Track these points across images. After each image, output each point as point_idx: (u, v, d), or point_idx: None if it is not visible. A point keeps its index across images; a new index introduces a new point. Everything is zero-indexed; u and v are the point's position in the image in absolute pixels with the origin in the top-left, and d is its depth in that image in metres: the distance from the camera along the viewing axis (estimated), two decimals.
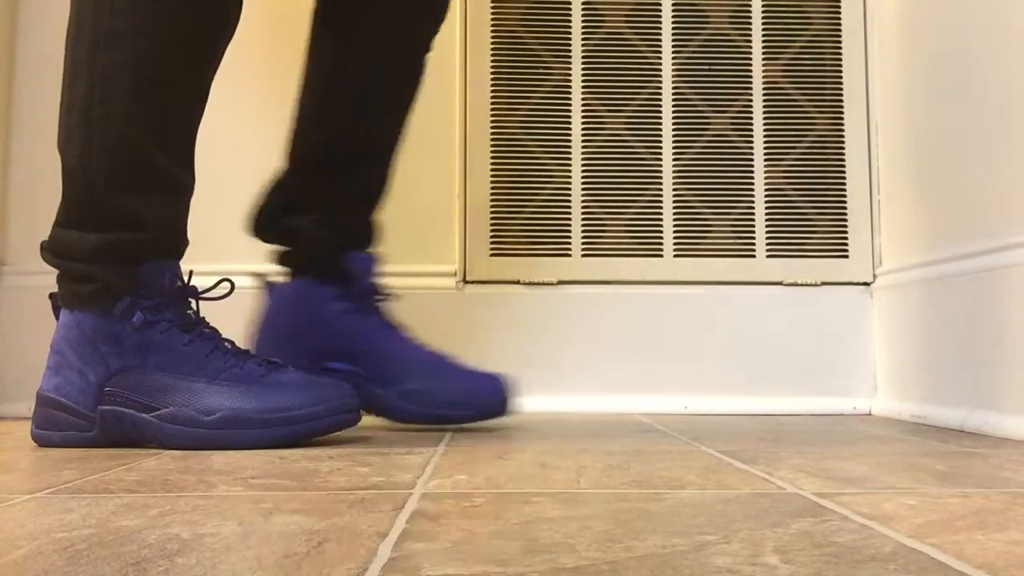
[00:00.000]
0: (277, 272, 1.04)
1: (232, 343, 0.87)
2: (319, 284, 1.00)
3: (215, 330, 0.86)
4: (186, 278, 0.86)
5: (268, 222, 1.04)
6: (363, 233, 1.04)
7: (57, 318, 0.87)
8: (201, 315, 0.87)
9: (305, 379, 0.84)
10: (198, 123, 0.88)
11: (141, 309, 0.83)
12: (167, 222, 0.86)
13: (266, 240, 1.04)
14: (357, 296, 1.00)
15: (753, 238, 1.30)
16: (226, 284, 0.86)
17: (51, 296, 0.87)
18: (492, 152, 1.30)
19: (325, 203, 1.02)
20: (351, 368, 0.98)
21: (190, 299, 0.86)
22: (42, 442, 0.85)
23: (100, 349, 0.83)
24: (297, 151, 1.04)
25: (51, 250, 0.86)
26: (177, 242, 0.88)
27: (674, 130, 1.31)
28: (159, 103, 0.84)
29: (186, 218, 0.88)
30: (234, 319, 0.96)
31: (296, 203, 1.02)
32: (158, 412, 0.81)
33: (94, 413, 0.83)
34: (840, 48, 1.32)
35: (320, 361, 0.98)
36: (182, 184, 0.87)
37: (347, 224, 1.03)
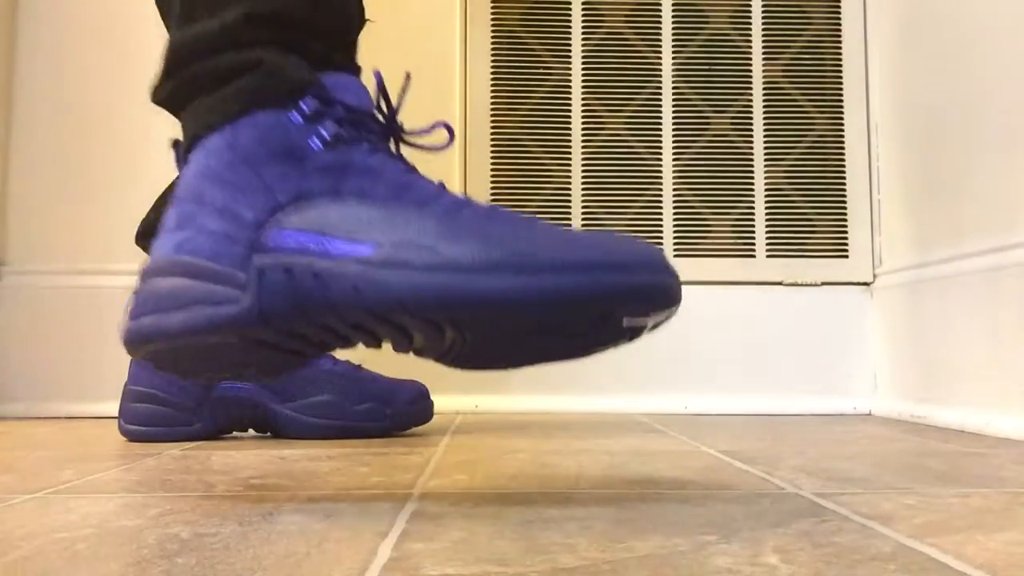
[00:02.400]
0: None
1: None
2: None
3: None
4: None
5: (157, 230, 0.92)
6: None
7: (181, 167, 0.57)
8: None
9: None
10: None
11: (333, 120, 0.54)
12: (345, 5, 0.60)
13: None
14: None
15: (753, 238, 1.30)
16: (444, 131, 0.57)
17: (175, 143, 0.58)
18: (492, 152, 1.30)
19: None
20: (249, 386, 0.92)
21: (398, 138, 0.57)
22: (156, 333, 0.51)
23: (264, 173, 0.52)
24: None
25: (172, 60, 0.57)
26: (354, 56, 0.61)
27: (674, 130, 1.31)
28: None
29: (358, 33, 0.62)
30: None
31: None
32: (360, 256, 0.48)
33: (243, 272, 0.50)
34: (840, 48, 1.32)
35: (214, 382, 0.91)
36: None
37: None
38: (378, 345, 0.52)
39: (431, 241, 0.47)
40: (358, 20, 0.61)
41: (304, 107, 0.54)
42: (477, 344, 0.50)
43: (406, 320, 0.48)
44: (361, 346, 0.53)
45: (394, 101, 0.57)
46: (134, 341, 0.52)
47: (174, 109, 0.58)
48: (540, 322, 0.48)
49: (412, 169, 0.54)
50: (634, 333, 0.50)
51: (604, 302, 0.47)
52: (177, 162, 0.57)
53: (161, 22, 0.61)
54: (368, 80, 0.58)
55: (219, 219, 0.52)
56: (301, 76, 0.54)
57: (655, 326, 0.50)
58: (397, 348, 0.52)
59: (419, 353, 0.53)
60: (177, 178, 0.76)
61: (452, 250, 0.47)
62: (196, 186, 0.53)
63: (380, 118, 0.56)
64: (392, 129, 0.56)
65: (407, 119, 0.58)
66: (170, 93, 0.57)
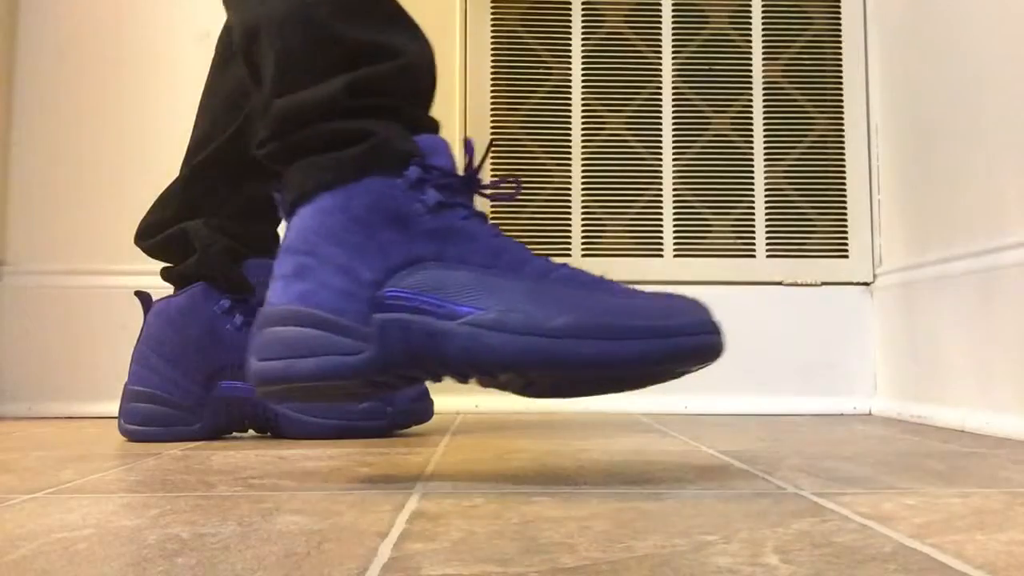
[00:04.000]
0: (160, 290, 0.95)
1: None
2: (214, 295, 0.91)
3: None
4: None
5: (155, 230, 0.95)
6: (263, 240, 0.95)
7: (287, 215, 0.63)
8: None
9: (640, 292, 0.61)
10: None
11: (434, 186, 0.60)
12: (427, 60, 0.66)
13: (153, 252, 0.96)
14: (256, 308, 0.92)
15: (753, 238, 1.30)
16: (512, 183, 0.64)
17: (276, 192, 0.64)
18: (492, 152, 1.30)
19: (219, 209, 0.94)
20: (249, 386, 0.92)
21: (476, 193, 0.63)
22: (283, 376, 0.59)
23: (377, 236, 0.59)
24: (193, 156, 0.96)
25: (279, 124, 0.63)
26: (426, 110, 0.67)
27: (674, 130, 1.31)
28: None
29: (434, 86, 0.68)
30: None
31: (189, 210, 0.93)
32: (467, 318, 0.56)
33: (368, 326, 0.58)
34: (840, 48, 1.32)
35: (215, 381, 0.91)
36: (419, 32, 0.67)
37: (244, 230, 0.94)
38: (466, 382, 0.60)
39: (527, 307, 0.56)
40: (435, 80, 0.67)
41: (410, 175, 0.60)
42: (555, 387, 0.59)
43: (503, 372, 0.57)
44: None
45: (476, 161, 0.63)
46: (266, 381, 0.60)
47: (279, 165, 0.64)
48: (614, 376, 0.57)
49: (499, 233, 0.61)
50: (679, 376, 0.59)
51: (672, 363, 0.57)
52: (281, 209, 0.63)
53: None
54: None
55: (340, 276, 0.58)
56: (407, 147, 0.61)
57: (696, 370, 0.59)
58: (483, 385, 0.60)
59: (499, 387, 0.60)
60: (187, 172, 0.89)
61: (545, 316, 0.55)
62: (312, 241, 0.60)
63: (460, 172, 0.63)
64: (471, 184, 0.62)
65: None
66: (277, 152, 0.64)
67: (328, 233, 0.59)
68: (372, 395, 0.63)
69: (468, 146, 0.64)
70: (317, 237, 0.60)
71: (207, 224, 0.93)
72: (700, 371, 0.59)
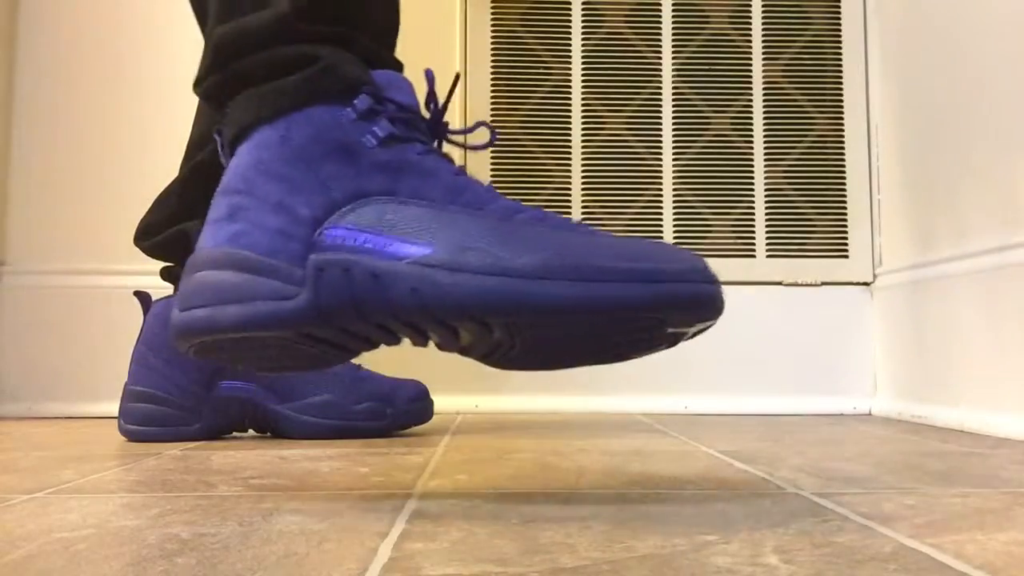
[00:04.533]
0: (160, 290, 0.96)
1: None
2: None
3: None
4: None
5: (155, 231, 0.94)
6: None
7: (226, 156, 0.57)
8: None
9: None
10: None
11: (388, 118, 0.54)
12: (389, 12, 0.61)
13: (153, 252, 0.96)
14: None
15: (753, 238, 1.30)
16: (485, 130, 0.58)
17: (217, 130, 0.58)
18: (492, 152, 1.30)
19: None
20: (249, 386, 0.92)
21: (443, 137, 0.58)
22: (207, 326, 0.52)
23: (320, 169, 0.53)
24: (192, 156, 0.95)
25: (219, 52, 0.57)
26: (392, 47, 0.62)
27: (674, 130, 1.31)
28: None
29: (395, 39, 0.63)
30: None
31: (188, 210, 0.91)
32: (416, 258, 0.49)
33: (300, 269, 0.51)
34: (840, 48, 1.32)
35: (215, 381, 0.91)
36: None
37: None
38: (425, 343, 0.53)
39: (488, 245, 0.48)
40: (398, 19, 0.62)
41: (359, 104, 0.54)
42: (524, 347, 0.51)
43: (460, 321, 0.49)
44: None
45: (440, 101, 0.57)
46: (185, 333, 0.52)
47: (220, 101, 0.57)
48: (590, 328, 0.49)
49: (462, 171, 0.55)
50: (675, 339, 0.51)
51: (656, 311, 0.48)
52: (221, 149, 0.56)
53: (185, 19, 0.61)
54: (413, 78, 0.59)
55: (275, 214, 0.52)
56: (356, 74, 0.55)
57: (696, 334, 0.52)
58: (443, 347, 0.53)
59: (464, 352, 0.53)
60: (186, 172, 0.76)
61: (510, 255, 0.48)
62: (248, 178, 0.53)
63: (426, 116, 0.56)
64: (438, 128, 0.57)
65: None
66: (217, 85, 0.57)
67: (265, 169, 0.53)
68: (321, 360, 0.55)
69: (429, 76, 0.57)
70: (254, 173, 0.53)
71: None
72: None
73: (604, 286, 0.47)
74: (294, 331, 0.51)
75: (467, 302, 0.47)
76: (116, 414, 0.93)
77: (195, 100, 0.99)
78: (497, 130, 1.28)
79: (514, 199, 1.33)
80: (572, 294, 0.47)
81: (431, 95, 0.57)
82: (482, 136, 0.60)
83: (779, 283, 1.29)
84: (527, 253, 0.48)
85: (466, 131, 0.59)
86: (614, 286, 0.47)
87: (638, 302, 0.47)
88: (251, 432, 0.95)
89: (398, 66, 0.61)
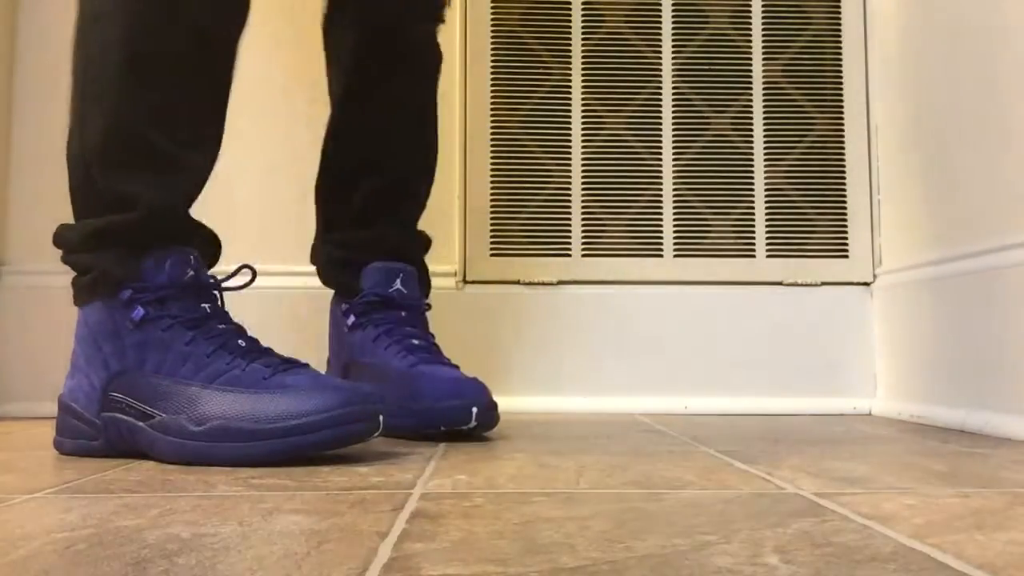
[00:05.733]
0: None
1: (251, 341, 0.76)
2: (337, 300, 1.01)
3: (238, 327, 0.77)
4: (208, 270, 0.78)
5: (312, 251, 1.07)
6: (380, 244, 1.00)
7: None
8: (224, 310, 0.78)
9: (316, 382, 0.72)
10: (212, 102, 0.82)
11: (142, 304, 0.74)
12: (163, 205, 0.78)
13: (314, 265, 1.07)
14: (359, 308, 0.97)
15: (753, 238, 1.30)
16: (247, 272, 0.77)
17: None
18: (492, 152, 1.30)
19: (331, 220, 1.03)
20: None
21: (212, 292, 0.78)
22: (58, 449, 0.78)
23: (103, 349, 0.76)
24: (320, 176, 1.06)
25: (56, 244, 0.81)
26: (182, 228, 0.80)
27: (674, 130, 1.31)
28: (153, 81, 0.77)
29: (189, 202, 0.81)
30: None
31: (321, 225, 1.04)
32: (152, 420, 0.72)
33: (99, 420, 0.75)
34: (840, 48, 1.32)
35: (347, 377, 0.97)
36: (182, 165, 0.79)
37: (353, 238, 1.01)
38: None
39: (183, 411, 0.71)
40: (190, 196, 0.81)
41: (122, 296, 0.75)
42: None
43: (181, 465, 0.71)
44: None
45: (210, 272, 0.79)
46: (57, 448, 0.79)
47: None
48: (270, 461, 0.70)
49: (194, 338, 0.74)
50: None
51: (302, 453, 0.70)
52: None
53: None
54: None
55: (86, 377, 0.77)
56: (120, 275, 0.76)
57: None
58: None
59: None
60: None
61: (196, 419, 0.70)
62: (77, 348, 0.79)
63: (202, 279, 0.77)
64: (200, 281, 0.76)
65: None
66: (64, 260, 0.80)
67: (80, 340, 0.78)
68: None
69: (195, 260, 0.77)
70: (77, 344, 0.78)
71: (322, 237, 1.03)
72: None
73: (258, 445, 0.69)
74: (103, 455, 0.76)
75: (171, 458, 0.71)
76: None
77: None
78: (498, 131, 1.29)
79: (514, 199, 1.34)
80: (235, 453, 0.69)
81: (196, 271, 0.77)
82: (244, 276, 0.79)
83: (779, 283, 1.29)
84: (205, 421, 0.70)
85: (229, 276, 0.79)
86: (265, 444, 0.69)
87: (278, 456, 0.69)
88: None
89: (184, 235, 0.79)
